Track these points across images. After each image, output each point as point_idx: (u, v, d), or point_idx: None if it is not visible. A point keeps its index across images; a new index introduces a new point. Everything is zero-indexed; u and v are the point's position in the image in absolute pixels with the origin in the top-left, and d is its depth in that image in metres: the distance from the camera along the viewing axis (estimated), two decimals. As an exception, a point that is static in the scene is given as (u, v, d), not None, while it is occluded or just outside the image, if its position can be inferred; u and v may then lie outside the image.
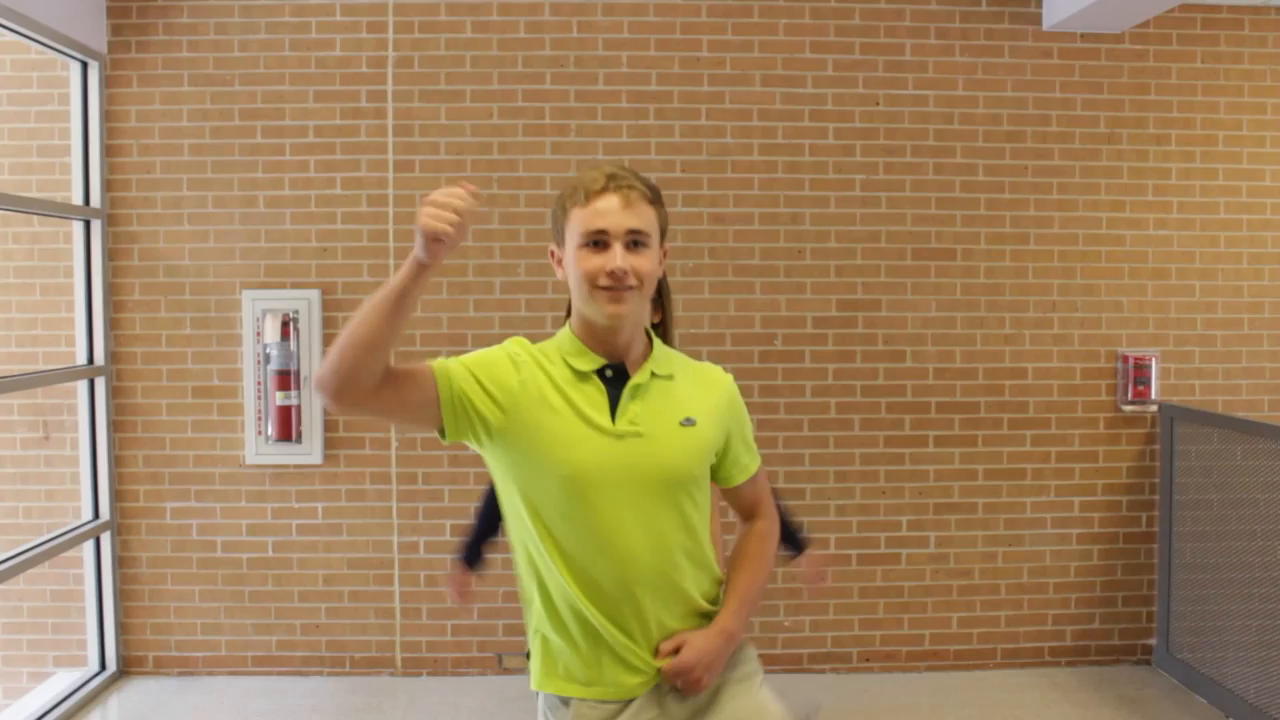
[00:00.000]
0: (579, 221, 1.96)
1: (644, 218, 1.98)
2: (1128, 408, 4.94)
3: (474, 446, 2.02)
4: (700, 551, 2.08)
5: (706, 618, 2.09)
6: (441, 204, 1.79)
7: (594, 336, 2.02)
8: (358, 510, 4.86)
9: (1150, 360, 4.92)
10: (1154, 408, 4.93)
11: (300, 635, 4.88)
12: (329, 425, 4.83)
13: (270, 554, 4.86)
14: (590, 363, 2.01)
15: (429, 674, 4.88)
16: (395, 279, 1.83)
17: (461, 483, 4.82)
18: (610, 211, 1.95)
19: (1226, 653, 4.46)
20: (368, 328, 1.80)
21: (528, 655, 2.17)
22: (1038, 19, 4.89)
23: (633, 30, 4.83)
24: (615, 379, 2.02)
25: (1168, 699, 4.63)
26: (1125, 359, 4.93)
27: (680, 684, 2.02)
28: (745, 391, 5.06)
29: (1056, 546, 4.97)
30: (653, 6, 4.83)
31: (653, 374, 2.04)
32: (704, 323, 4.83)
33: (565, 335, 2.07)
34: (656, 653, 2.02)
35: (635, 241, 1.96)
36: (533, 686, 2.11)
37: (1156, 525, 4.95)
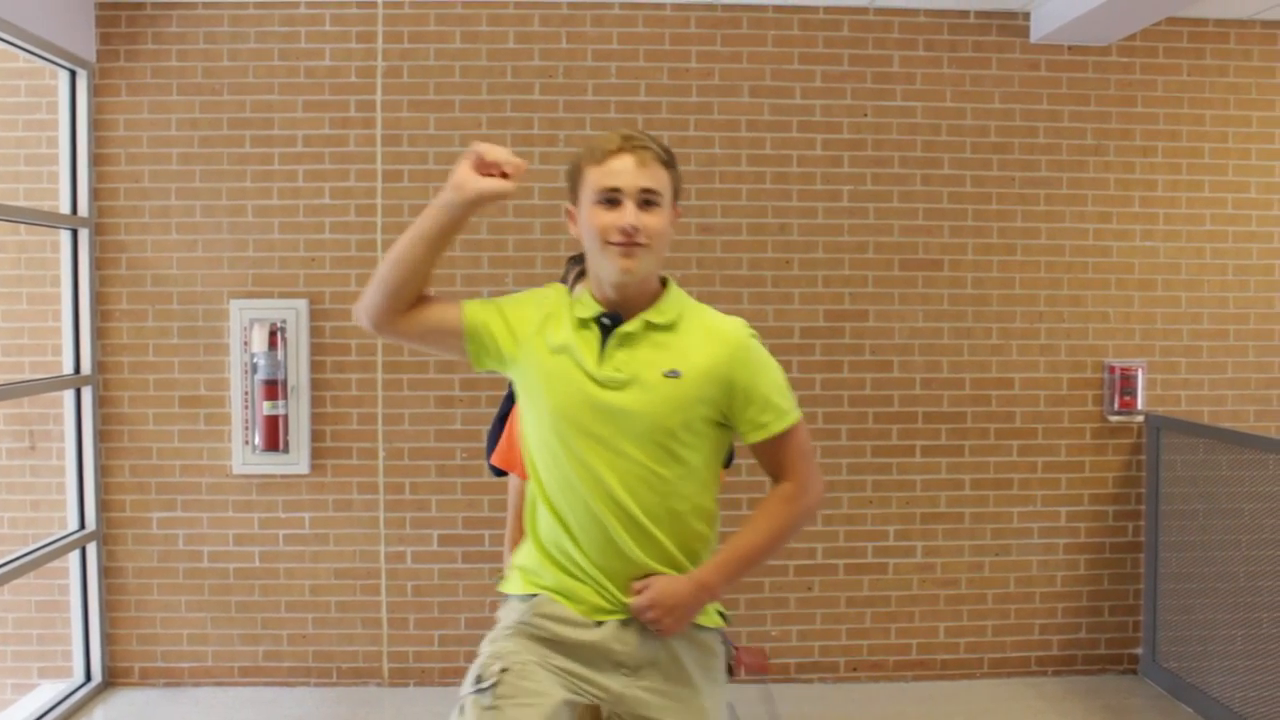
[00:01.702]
0: (594, 179, 2.05)
1: (657, 178, 2.06)
2: (1114, 418, 4.96)
3: (501, 369, 2.18)
4: (681, 509, 2.10)
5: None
6: (499, 161, 2.02)
7: (602, 289, 2.12)
8: (345, 520, 4.85)
9: (1136, 371, 4.94)
10: (1140, 418, 4.95)
11: (287, 646, 4.86)
12: (316, 435, 4.82)
13: (257, 564, 4.85)
14: (590, 310, 2.12)
15: (416, 684, 4.87)
16: (434, 216, 2.05)
17: (448, 492, 4.82)
18: (624, 171, 2.03)
19: (1212, 662, 4.48)
20: (408, 255, 2.05)
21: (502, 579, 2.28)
22: (1025, 31, 4.92)
23: (621, 41, 4.84)
24: (610, 327, 2.10)
25: (1154, 708, 4.64)
26: (1112, 369, 4.95)
27: (646, 621, 2.07)
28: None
29: (1043, 556, 4.98)
30: (641, 17, 4.84)
31: (647, 323, 2.09)
32: (692, 333, 4.83)
33: (585, 288, 2.18)
34: (631, 591, 2.09)
35: (647, 200, 2.04)
36: (511, 590, 2.19)
37: (1143, 535, 4.97)
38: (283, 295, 4.81)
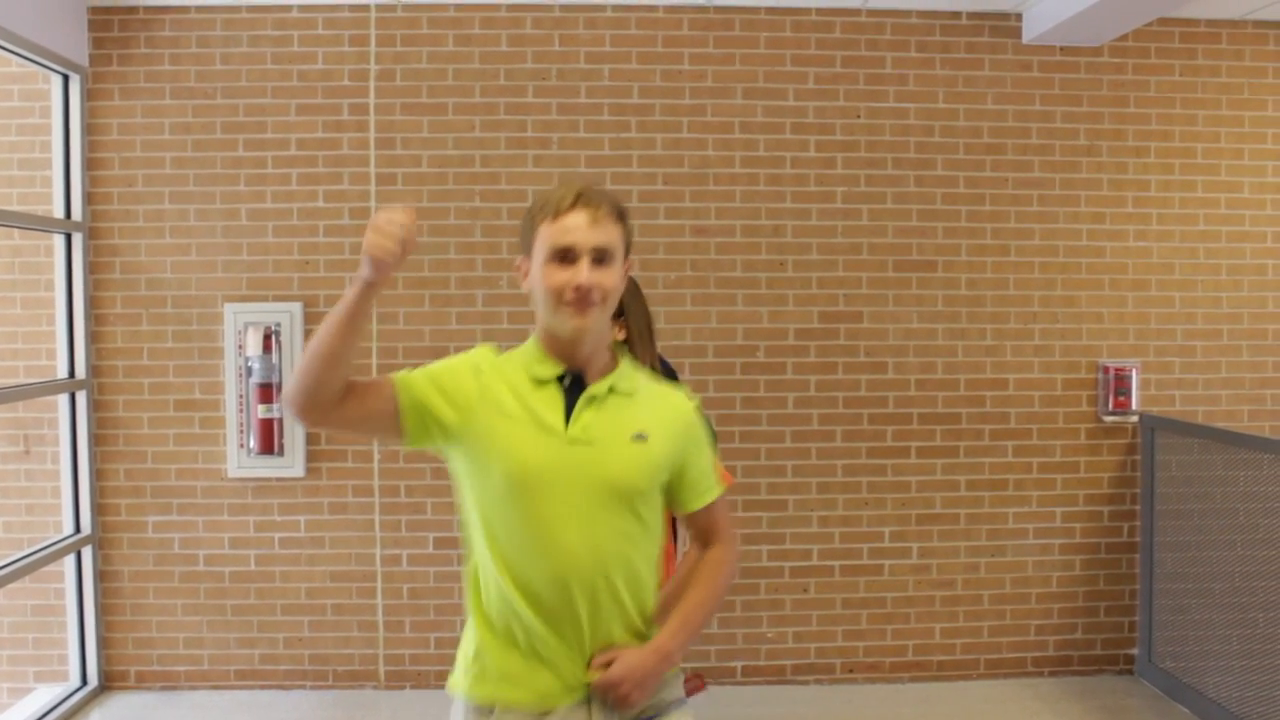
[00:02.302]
0: (547, 236, 2.03)
1: (609, 234, 2.04)
2: (1109, 418, 4.96)
3: (436, 451, 2.10)
4: (642, 570, 2.10)
5: (644, 639, 2.11)
6: (384, 230, 1.89)
7: (557, 347, 2.08)
8: (340, 523, 4.84)
9: (1131, 371, 4.94)
10: (1135, 418, 4.95)
11: (283, 649, 4.86)
12: (311, 438, 4.82)
13: (253, 567, 4.84)
14: (550, 370, 2.07)
15: (412, 687, 4.87)
16: (347, 299, 1.95)
17: (444, 495, 4.81)
18: (578, 228, 2.01)
19: (1208, 662, 4.48)
20: (325, 346, 1.93)
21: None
22: (1018, 32, 4.92)
23: (614, 43, 4.85)
24: (573, 387, 2.07)
25: (1150, 708, 4.64)
26: (1106, 370, 4.96)
27: (610, 699, 2.04)
28: (727, 403, 5.07)
29: (1039, 557, 4.99)
30: (634, 19, 4.85)
31: (611, 388, 2.09)
32: (686, 335, 4.84)
33: (530, 344, 2.13)
34: (590, 667, 2.05)
35: (600, 258, 2.02)
36: (458, 691, 2.13)
37: (1138, 535, 4.98)
38: (277, 299, 4.81)
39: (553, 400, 2.06)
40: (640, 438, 2.07)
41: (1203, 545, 4.55)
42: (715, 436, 3.09)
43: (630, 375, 2.16)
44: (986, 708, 4.68)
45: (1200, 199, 5.01)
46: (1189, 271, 5.02)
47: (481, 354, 2.13)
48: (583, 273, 1.99)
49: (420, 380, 2.04)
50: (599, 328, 2.06)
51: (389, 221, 1.89)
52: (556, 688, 2.04)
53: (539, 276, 2.04)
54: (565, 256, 2.01)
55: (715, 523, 2.25)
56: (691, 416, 2.20)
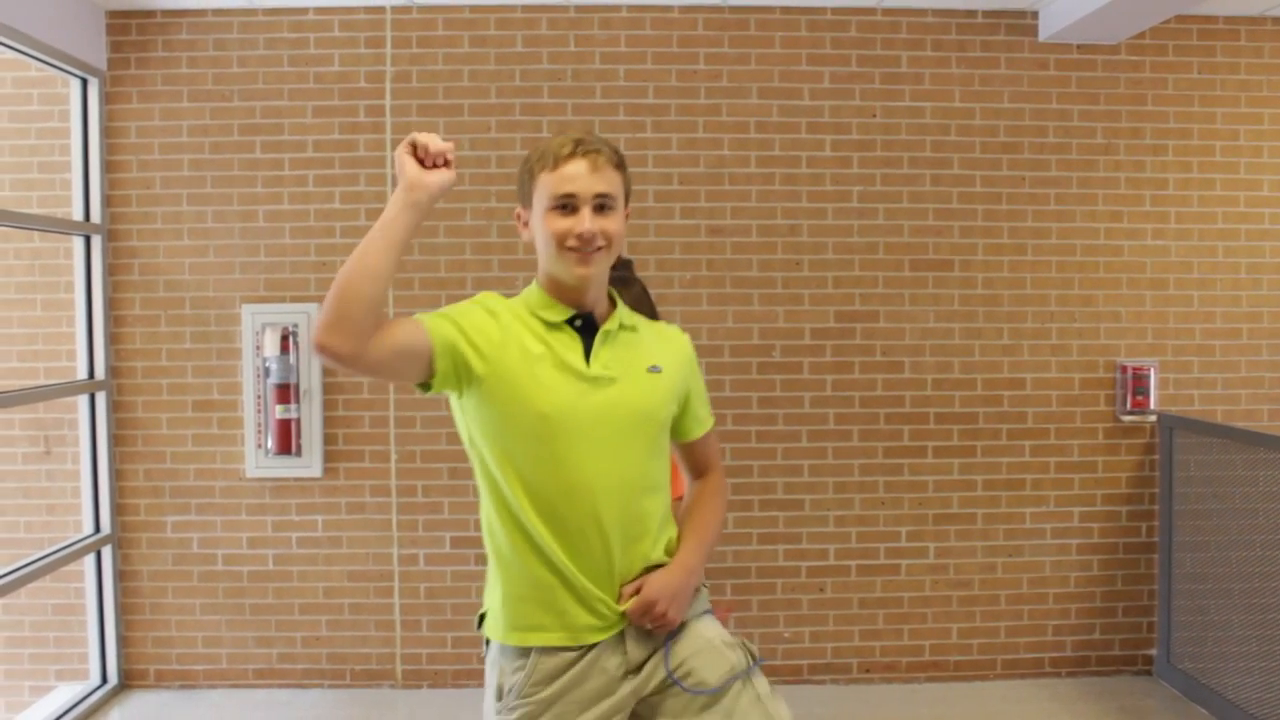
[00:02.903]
0: (547, 185, 2.05)
1: (610, 181, 2.06)
2: (1126, 418, 4.94)
3: (454, 396, 2.10)
4: (662, 495, 2.18)
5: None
6: (443, 151, 1.97)
7: (561, 293, 2.11)
8: (357, 523, 4.87)
9: (1149, 370, 4.92)
10: (1153, 418, 4.93)
11: (301, 648, 4.89)
12: (329, 439, 4.84)
13: (270, 567, 4.87)
14: (561, 313, 2.11)
15: (429, 686, 4.89)
16: (406, 218, 1.93)
17: (461, 495, 4.83)
18: (578, 176, 2.03)
19: (1228, 663, 4.46)
20: (366, 263, 1.87)
21: (480, 620, 2.22)
22: (1034, 30, 4.90)
23: (630, 44, 4.85)
24: (585, 328, 2.12)
25: (1169, 710, 4.62)
26: (1124, 369, 4.93)
27: (649, 622, 2.08)
28: (743, 403, 5.08)
29: (1056, 557, 4.97)
30: (649, 20, 4.85)
31: (620, 324, 2.16)
32: (702, 334, 4.84)
33: (532, 291, 2.15)
34: (620, 599, 2.09)
35: (602, 205, 2.05)
36: (494, 636, 2.15)
37: (1156, 535, 4.95)
38: (294, 300, 4.83)
39: (571, 341, 2.09)
40: (655, 369, 2.15)
41: (1222, 545, 4.52)
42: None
43: (630, 314, 2.24)
44: (1003, 708, 4.67)
45: (1219, 197, 4.98)
46: (1208, 270, 4.99)
47: (490, 298, 2.14)
48: (585, 220, 2.02)
49: (447, 324, 2.03)
50: (602, 275, 2.11)
51: (433, 141, 1.96)
52: (590, 623, 2.07)
53: (541, 225, 2.06)
54: (566, 205, 2.03)
55: (709, 452, 2.35)
56: (690, 349, 2.29)
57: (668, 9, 4.84)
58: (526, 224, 2.13)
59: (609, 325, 2.13)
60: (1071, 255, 4.94)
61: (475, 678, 4.80)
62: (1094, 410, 4.96)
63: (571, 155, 2.03)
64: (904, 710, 4.68)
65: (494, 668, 2.17)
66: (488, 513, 2.13)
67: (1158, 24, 4.78)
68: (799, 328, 4.89)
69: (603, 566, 2.07)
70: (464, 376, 2.03)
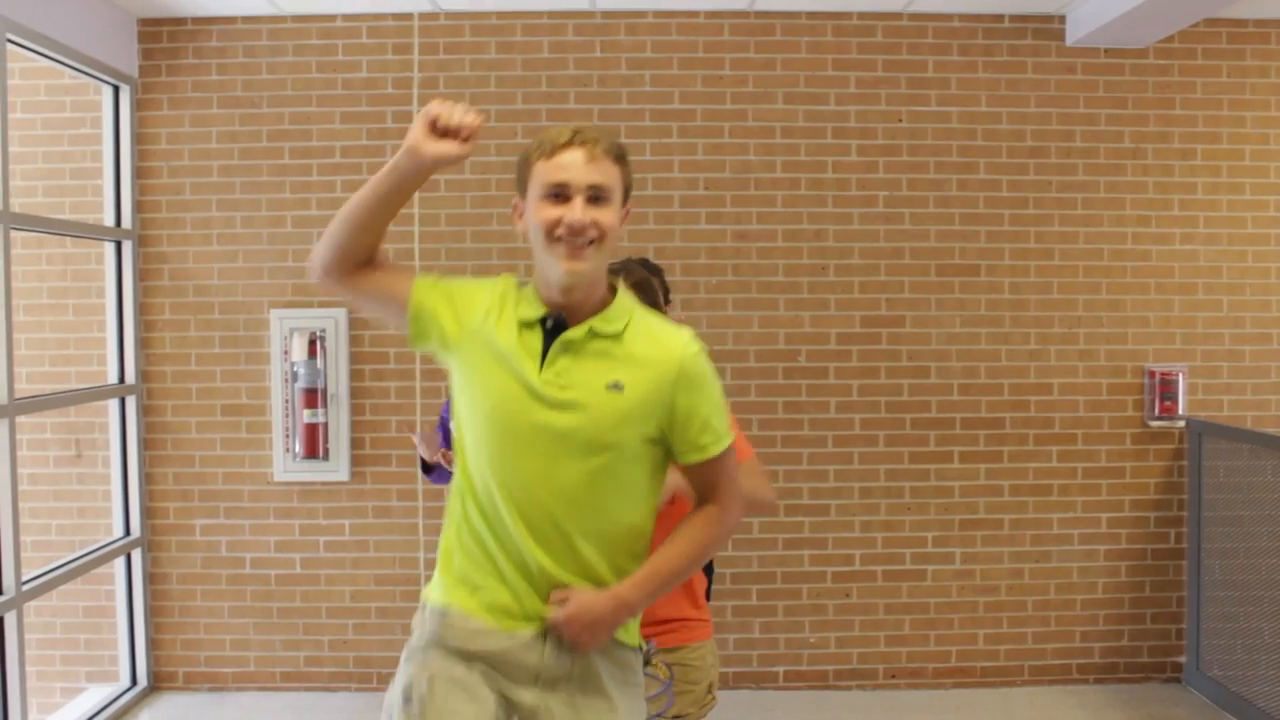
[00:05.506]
0: (542, 173, 1.99)
1: (606, 173, 1.99)
2: (1155, 423, 4.91)
3: (437, 355, 2.12)
4: (613, 524, 2.03)
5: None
6: (458, 125, 1.97)
7: (548, 287, 2.02)
8: (384, 527, 4.89)
9: (1177, 375, 4.89)
10: (1181, 423, 4.89)
11: (328, 651, 4.91)
12: (356, 443, 4.87)
13: (298, 570, 4.90)
14: (535, 311, 2.03)
15: (455, 690, 4.90)
16: (390, 178, 1.99)
17: (487, 500, 4.83)
18: (573, 165, 1.96)
19: (1258, 671, 4.42)
20: (356, 213, 2.02)
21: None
22: (1061, 35, 4.89)
23: (655, 49, 4.86)
24: (554, 330, 2.01)
25: (1198, 718, 4.58)
26: (1152, 374, 4.90)
27: (560, 635, 2.00)
28: (769, 408, 5.05)
29: (1084, 563, 4.94)
30: (675, 25, 4.86)
31: (592, 330, 2.01)
32: (728, 339, 4.84)
33: (528, 284, 2.10)
34: (549, 602, 2.01)
35: (596, 196, 1.97)
36: (426, 598, 2.11)
37: (1185, 541, 4.91)
38: (322, 305, 4.86)
39: (532, 344, 2.01)
40: (615, 387, 1.97)
41: (1252, 552, 4.49)
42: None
43: (622, 313, 2.05)
44: (1031, 715, 4.65)
45: (1249, 201, 4.95)
46: (1237, 275, 4.96)
47: (505, 283, 2.11)
48: (576, 210, 1.94)
49: (435, 291, 2.08)
50: (594, 272, 2.00)
51: (446, 112, 1.97)
52: (512, 608, 2.01)
53: (532, 215, 2.00)
54: (559, 194, 1.97)
55: (714, 482, 2.09)
56: (685, 360, 2.03)
57: (694, 14, 4.85)
58: (522, 215, 2.05)
59: (573, 333, 1.99)
60: (1099, 260, 4.92)
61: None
62: (1122, 415, 4.93)
63: (568, 144, 1.96)
64: (930, 717, 4.66)
65: (417, 620, 2.13)
66: (457, 474, 2.11)
67: (1186, 27, 4.75)
68: (825, 333, 4.89)
69: (531, 567, 2.00)
70: (436, 342, 2.08)
